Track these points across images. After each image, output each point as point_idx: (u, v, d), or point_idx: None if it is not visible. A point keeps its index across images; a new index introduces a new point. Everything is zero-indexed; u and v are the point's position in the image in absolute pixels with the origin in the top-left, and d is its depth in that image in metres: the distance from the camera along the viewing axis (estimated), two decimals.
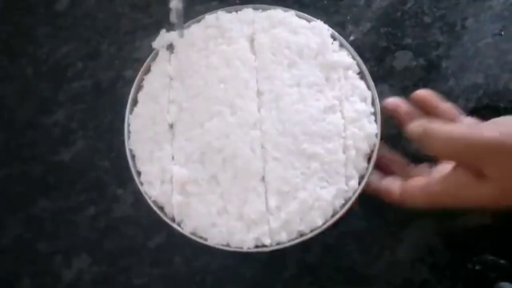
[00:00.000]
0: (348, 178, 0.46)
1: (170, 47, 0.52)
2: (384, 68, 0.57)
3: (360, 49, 0.52)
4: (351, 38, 0.59)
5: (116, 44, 0.60)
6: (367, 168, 0.47)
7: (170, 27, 0.51)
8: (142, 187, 0.46)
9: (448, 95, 0.56)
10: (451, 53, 0.58)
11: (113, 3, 0.63)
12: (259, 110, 0.47)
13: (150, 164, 0.47)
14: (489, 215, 0.50)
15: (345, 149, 0.46)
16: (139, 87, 0.51)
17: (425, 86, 0.56)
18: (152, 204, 0.46)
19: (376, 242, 0.51)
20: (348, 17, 0.60)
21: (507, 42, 0.58)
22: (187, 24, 0.53)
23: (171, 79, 0.50)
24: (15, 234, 0.53)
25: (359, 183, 0.46)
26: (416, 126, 0.43)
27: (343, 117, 0.47)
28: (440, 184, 0.41)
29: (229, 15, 0.52)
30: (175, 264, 0.51)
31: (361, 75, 0.50)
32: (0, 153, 0.56)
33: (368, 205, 0.51)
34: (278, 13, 0.51)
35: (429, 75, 0.57)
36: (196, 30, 0.52)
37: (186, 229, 0.45)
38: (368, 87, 0.49)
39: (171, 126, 0.48)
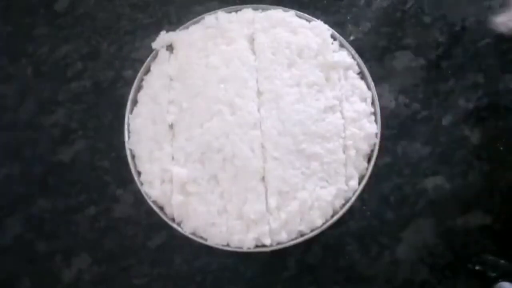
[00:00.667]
0: (348, 178, 0.46)
1: (170, 47, 0.52)
2: (384, 68, 0.57)
3: (360, 49, 0.52)
4: (351, 38, 0.59)
5: (116, 44, 0.60)
6: (367, 168, 0.47)
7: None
8: (142, 187, 0.47)
9: (448, 95, 0.56)
10: (451, 53, 0.58)
11: (113, 3, 0.63)
12: (259, 110, 0.47)
13: (150, 164, 0.47)
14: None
15: (345, 149, 0.46)
16: (139, 87, 0.51)
17: (425, 86, 0.56)
18: (152, 204, 0.46)
19: (376, 242, 0.51)
20: (348, 17, 0.60)
21: (507, 42, 0.58)
22: (187, 24, 0.53)
23: (171, 79, 0.50)
24: (15, 234, 0.53)
25: (359, 183, 0.46)
26: None
27: (343, 117, 0.47)
28: None
29: (229, 15, 0.52)
30: (175, 264, 0.51)
31: (361, 75, 0.50)
32: (0, 153, 0.56)
33: (368, 205, 0.52)
34: (278, 13, 0.51)
35: (429, 75, 0.57)
36: (196, 30, 0.52)
37: (186, 229, 0.45)
38: (368, 87, 0.50)
39: (171, 126, 0.48)
